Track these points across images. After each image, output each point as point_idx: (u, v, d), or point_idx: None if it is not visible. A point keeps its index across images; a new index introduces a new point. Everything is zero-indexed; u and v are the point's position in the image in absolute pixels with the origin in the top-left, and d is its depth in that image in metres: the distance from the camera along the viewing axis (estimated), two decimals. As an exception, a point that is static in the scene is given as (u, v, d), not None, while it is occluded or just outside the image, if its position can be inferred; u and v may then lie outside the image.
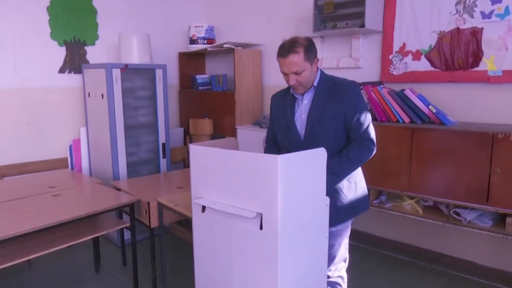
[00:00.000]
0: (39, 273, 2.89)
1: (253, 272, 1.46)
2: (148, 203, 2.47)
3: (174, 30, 4.26)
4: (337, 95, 1.77)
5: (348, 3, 2.98)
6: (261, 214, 1.39)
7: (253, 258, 1.45)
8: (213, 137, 3.99)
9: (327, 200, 1.57)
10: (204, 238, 1.65)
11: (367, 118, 1.79)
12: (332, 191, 1.75)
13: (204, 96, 4.15)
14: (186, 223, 2.88)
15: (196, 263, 1.72)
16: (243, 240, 1.47)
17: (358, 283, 2.66)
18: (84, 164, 3.59)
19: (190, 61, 4.42)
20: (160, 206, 2.42)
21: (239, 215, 1.43)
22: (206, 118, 4.05)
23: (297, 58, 1.70)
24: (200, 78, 4.21)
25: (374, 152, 1.80)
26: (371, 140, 1.79)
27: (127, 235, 3.11)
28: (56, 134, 3.49)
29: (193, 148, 1.63)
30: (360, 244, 3.28)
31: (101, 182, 2.88)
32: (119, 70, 3.15)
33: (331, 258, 1.85)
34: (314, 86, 1.81)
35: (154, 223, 2.49)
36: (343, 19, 3.02)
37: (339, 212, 1.79)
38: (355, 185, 1.87)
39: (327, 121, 1.76)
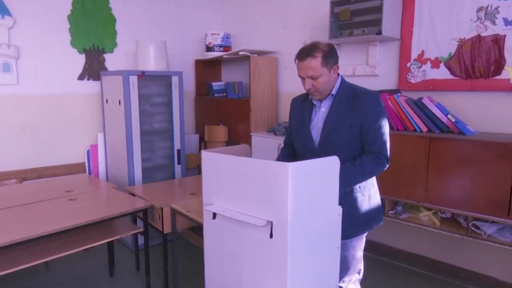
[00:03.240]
0: (55, 275, 2.94)
1: (262, 280, 1.44)
2: (162, 208, 2.48)
3: (191, 37, 4.31)
4: (355, 105, 1.72)
5: (365, 10, 2.95)
6: (271, 222, 1.37)
7: (262, 266, 1.43)
8: (228, 144, 4.00)
9: (339, 209, 1.54)
10: (214, 244, 1.64)
11: (385, 132, 1.73)
12: (345, 204, 1.69)
13: (219, 103, 4.17)
14: (198, 229, 2.88)
15: (207, 269, 1.71)
16: (253, 248, 1.45)
17: (373, 295, 2.59)
18: (101, 169, 3.65)
19: (206, 68, 4.46)
20: (173, 212, 2.43)
21: (249, 223, 1.42)
22: (221, 125, 4.07)
23: (314, 63, 1.68)
24: (216, 85, 4.24)
25: (386, 168, 1.75)
26: (386, 155, 1.74)
27: (141, 240, 3.14)
28: (75, 140, 3.57)
29: (205, 155, 1.63)
30: (374, 254, 3.20)
31: (116, 187, 2.92)
32: (136, 77, 3.20)
33: (344, 269, 1.81)
34: (332, 94, 1.78)
35: (167, 229, 2.50)
36: (359, 26, 2.99)
37: (352, 225, 1.75)
38: (369, 199, 1.82)
39: (343, 130, 1.72)
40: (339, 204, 1.54)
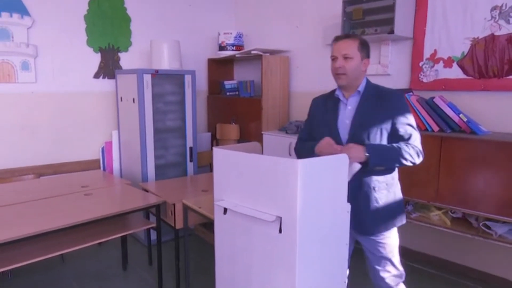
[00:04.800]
0: (71, 268, 3.03)
1: (271, 274, 1.47)
2: (174, 204, 2.54)
3: (204, 36, 4.37)
4: (383, 103, 1.74)
5: (377, 9, 2.95)
6: (281, 218, 1.40)
7: (271, 261, 1.46)
8: (240, 142, 4.04)
9: (348, 206, 1.56)
10: (225, 239, 1.68)
11: (415, 129, 1.76)
12: (371, 200, 1.75)
13: (231, 101, 4.22)
14: (210, 225, 2.92)
15: (217, 263, 1.75)
16: (262, 243, 1.49)
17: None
18: (115, 165, 3.73)
19: (219, 67, 4.51)
20: (185, 208, 2.48)
21: (259, 218, 1.45)
22: (233, 123, 4.11)
23: (350, 43, 1.73)
24: (228, 84, 4.28)
25: (419, 161, 1.74)
26: (421, 150, 1.75)
27: (153, 235, 3.21)
28: (90, 137, 3.66)
29: (217, 151, 1.67)
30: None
31: (130, 183, 2.99)
32: (149, 75, 3.27)
33: (379, 264, 1.86)
34: (359, 91, 1.79)
35: (179, 225, 2.55)
36: (372, 25, 2.99)
37: (377, 221, 1.78)
38: (394, 196, 1.83)
39: (373, 128, 1.72)
40: (364, 198, 1.67)
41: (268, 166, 1.43)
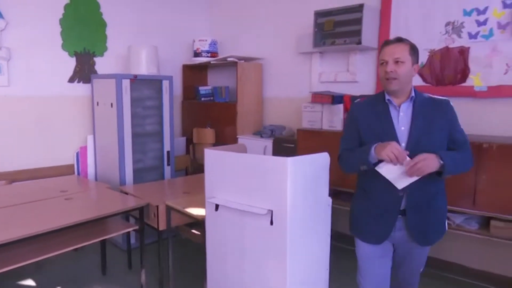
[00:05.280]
0: (48, 275, 2.99)
1: (263, 265, 1.61)
2: (157, 206, 2.61)
3: (178, 42, 4.45)
4: (438, 109, 1.73)
5: (346, 21, 3.19)
6: (272, 211, 1.55)
7: (263, 252, 1.60)
8: (215, 145, 4.15)
9: (329, 200, 1.73)
10: (216, 235, 1.80)
11: (466, 134, 1.79)
12: (432, 208, 1.76)
13: (206, 106, 4.32)
14: (194, 226, 3.01)
15: (209, 259, 1.86)
16: (255, 236, 1.62)
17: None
18: (90, 170, 3.71)
19: (193, 73, 4.61)
20: (169, 209, 2.56)
21: (251, 212, 1.59)
22: (209, 128, 4.21)
23: (402, 47, 1.68)
24: (203, 89, 4.38)
25: (472, 166, 1.77)
26: (472, 156, 1.78)
27: (132, 239, 3.24)
28: (64, 141, 3.63)
29: (208, 152, 1.79)
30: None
31: (110, 187, 3.01)
32: (128, 80, 3.31)
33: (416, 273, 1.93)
34: (412, 96, 1.74)
35: (162, 226, 2.62)
36: (341, 36, 3.23)
37: (439, 230, 1.82)
38: (442, 202, 1.84)
39: (435, 133, 1.69)
40: (427, 207, 1.71)
41: (260, 164, 1.58)
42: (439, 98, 1.78)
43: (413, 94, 1.74)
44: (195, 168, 4.15)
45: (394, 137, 1.70)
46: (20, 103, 3.34)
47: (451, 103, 1.77)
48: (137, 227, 2.65)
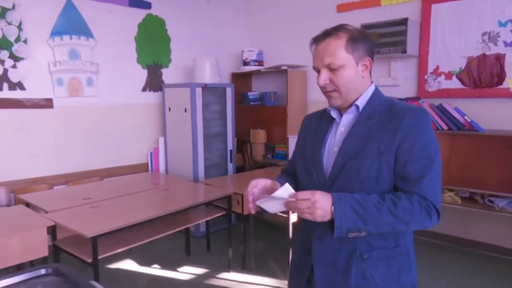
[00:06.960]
0: (139, 257, 3.46)
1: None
2: (242, 195, 3.07)
3: (226, 53, 4.93)
4: (391, 123, 1.16)
5: (390, 33, 3.64)
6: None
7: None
8: (267, 144, 4.63)
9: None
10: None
11: (433, 165, 1.12)
12: (355, 272, 1.18)
13: (255, 110, 4.80)
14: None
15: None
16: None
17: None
18: (161, 168, 4.20)
19: (240, 80, 5.09)
20: (252, 197, 3.01)
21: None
22: (259, 129, 4.69)
23: (334, 45, 1.18)
24: (251, 94, 4.86)
25: (434, 224, 1.13)
26: (434, 202, 1.12)
27: (203, 227, 3.71)
28: (139, 143, 4.11)
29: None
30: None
31: (191, 181, 3.49)
32: (200, 88, 3.79)
33: None
34: (357, 105, 1.23)
35: (246, 211, 3.09)
36: (386, 46, 3.68)
37: None
38: (397, 275, 1.20)
39: (368, 158, 1.15)
40: (343, 269, 1.18)
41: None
42: (402, 107, 1.19)
43: (360, 102, 1.23)
44: (251, 165, 4.62)
45: (318, 161, 1.25)
46: (104, 110, 3.83)
47: (421, 116, 1.16)
48: (224, 213, 3.12)
